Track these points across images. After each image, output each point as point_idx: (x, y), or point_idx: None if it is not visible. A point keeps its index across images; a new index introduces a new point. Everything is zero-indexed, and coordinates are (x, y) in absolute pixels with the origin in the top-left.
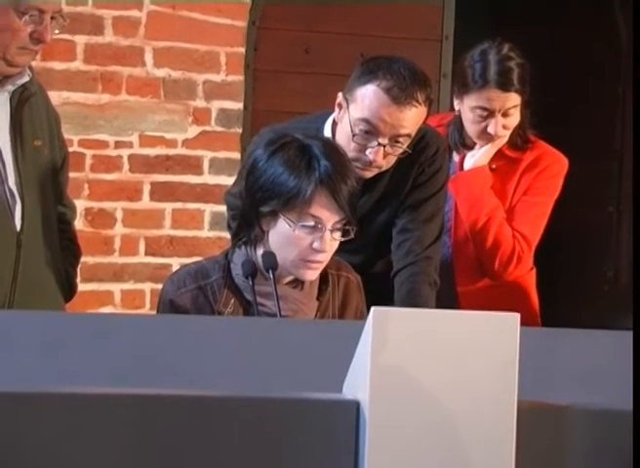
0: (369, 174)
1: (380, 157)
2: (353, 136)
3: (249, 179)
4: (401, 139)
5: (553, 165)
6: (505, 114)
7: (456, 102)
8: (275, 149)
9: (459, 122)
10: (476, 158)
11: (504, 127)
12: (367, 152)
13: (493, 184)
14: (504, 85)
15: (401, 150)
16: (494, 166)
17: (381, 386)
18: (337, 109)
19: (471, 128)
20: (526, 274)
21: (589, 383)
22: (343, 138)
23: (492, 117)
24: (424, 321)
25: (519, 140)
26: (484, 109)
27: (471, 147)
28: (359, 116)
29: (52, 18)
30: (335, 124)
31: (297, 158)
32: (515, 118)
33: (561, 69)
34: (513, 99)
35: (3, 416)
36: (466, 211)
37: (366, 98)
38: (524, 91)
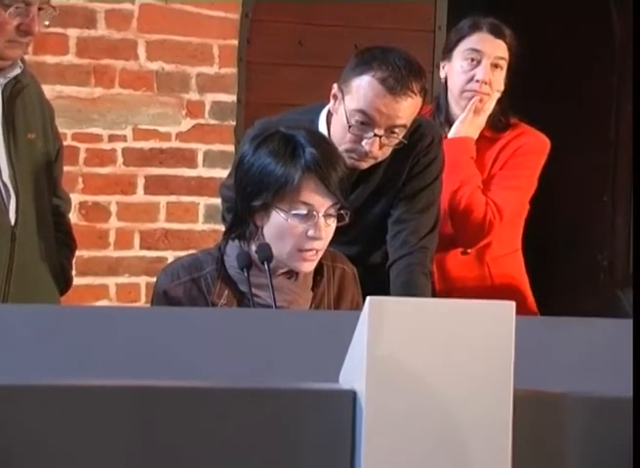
0: (365, 164)
1: (376, 148)
2: (349, 126)
3: (237, 175)
4: (397, 130)
5: (531, 142)
6: (494, 65)
7: (442, 66)
8: (260, 142)
9: (443, 97)
10: (456, 124)
11: (488, 83)
12: (363, 143)
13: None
14: (496, 31)
15: (397, 141)
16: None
17: (378, 376)
18: (332, 100)
19: (459, 79)
20: (510, 254)
21: (586, 371)
22: (339, 129)
23: (480, 65)
24: (420, 310)
25: (499, 125)
26: (475, 51)
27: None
28: (354, 107)
29: (40, 9)
30: (330, 115)
31: (281, 148)
32: (500, 78)
33: (555, 60)
34: (503, 50)
35: None
36: (446, 177)
37: (361, 89)
38: (513, 53)
